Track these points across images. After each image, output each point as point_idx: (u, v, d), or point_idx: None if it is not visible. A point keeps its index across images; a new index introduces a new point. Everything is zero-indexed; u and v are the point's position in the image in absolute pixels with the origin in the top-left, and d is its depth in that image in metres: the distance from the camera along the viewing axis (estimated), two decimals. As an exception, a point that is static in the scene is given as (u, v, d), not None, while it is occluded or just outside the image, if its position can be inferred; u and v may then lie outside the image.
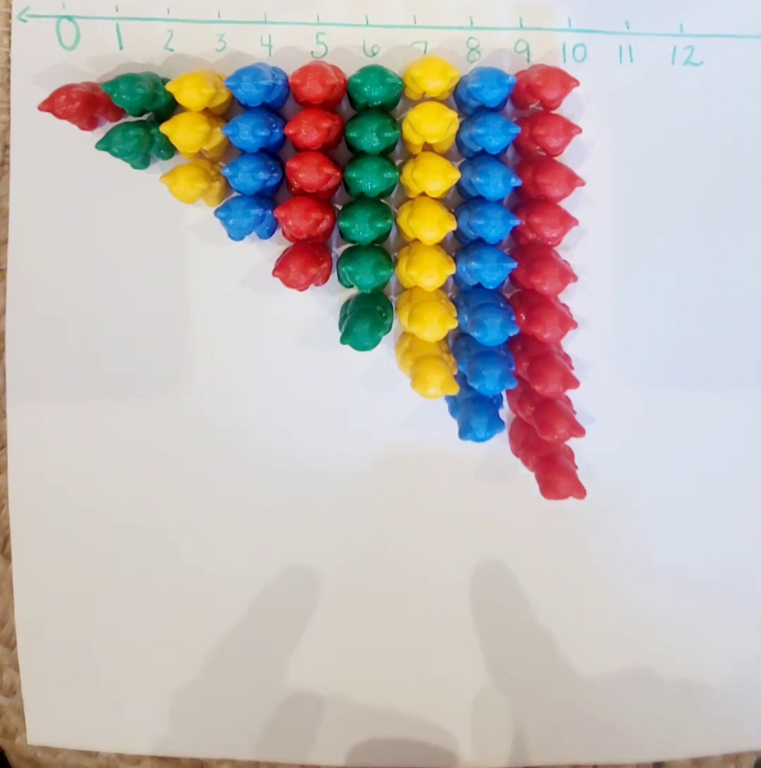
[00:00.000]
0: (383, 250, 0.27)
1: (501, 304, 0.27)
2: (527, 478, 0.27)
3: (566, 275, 0.27)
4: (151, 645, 0.31)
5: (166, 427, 0.30)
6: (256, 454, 0.30)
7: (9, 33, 0.28)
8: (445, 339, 0.27)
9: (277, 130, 0.26)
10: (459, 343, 0.28)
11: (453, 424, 0.27)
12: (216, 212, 0.27)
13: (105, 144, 0.26)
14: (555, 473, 0.26)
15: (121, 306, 0.30)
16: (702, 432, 0.30)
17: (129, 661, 0.31)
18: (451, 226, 0.26)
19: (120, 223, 0.29)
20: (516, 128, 0.26)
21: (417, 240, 0.27)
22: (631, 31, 0.29)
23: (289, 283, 0.26)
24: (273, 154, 0.28)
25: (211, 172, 0.27)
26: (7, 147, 0.29)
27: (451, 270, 0.26)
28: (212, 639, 0.31)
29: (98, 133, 0.27)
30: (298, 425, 0.30)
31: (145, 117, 0.28)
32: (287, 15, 0.28)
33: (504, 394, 0.29)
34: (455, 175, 0.26)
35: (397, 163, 0.28)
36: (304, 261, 0.26)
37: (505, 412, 0.29)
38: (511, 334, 0.26)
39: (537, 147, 0.27)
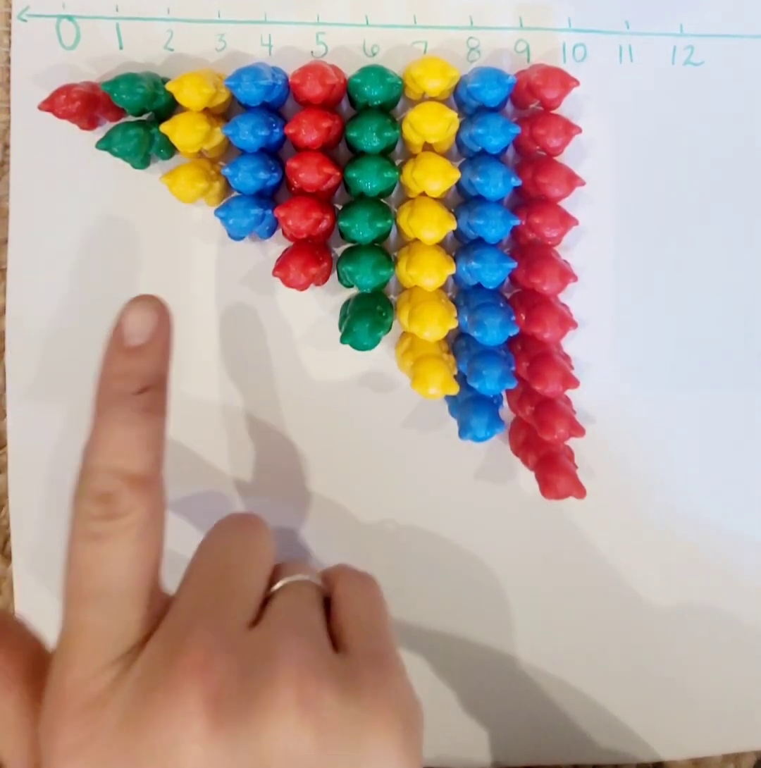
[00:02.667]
0: (383, 250, 0.27)
1: (501, 304, 0.27)
2: (527, 478, 0.27)
3: (566, 275, 0.27)
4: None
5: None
6: (256, 454, 0.30)
7: (9, 33, 0.28)
8: (445, 339, 0.27)
9: (277, 130, 0.26)
10: (460, 343, 0.28)
11: (453, 424, 0.27)
12: (216, 212, 0.27)
13: (105, 144, 0.26)
14: (555, 473, 0.26)
15: (121, 306, 0.29)
16: (702, 432, 0.30)
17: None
18: (451, 226, 0.26)
19: (120, 223, 0.29)
20: (516, 128, 0.26)
21: (417, 240, 0.27)
22: (631, 31, 0.29)
23: (289, 283, 0.26)
24: (273, 154, 0.28)
25: (211, 172, 0.27)
26: (7, 147, 0.29)
27: (451, 270, 0.26)
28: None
29: (98, 133, 0.27)
30: (298, 425, 0.30)
31: (145, 117, 0.28)
32: (287, 15, 0.28)
33: (504, 394, 0.29)
34: (455, 175, 0.26)
35: (397, 163, 0.28)
36: (304, 261, 0.26)
37: (505, 412, 0.29)
38: (511, 334, 0.26)
39: (537, 147, 0.27)
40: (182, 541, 0.30)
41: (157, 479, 0.20)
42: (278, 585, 0.21)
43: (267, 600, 0.20)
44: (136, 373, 0.21)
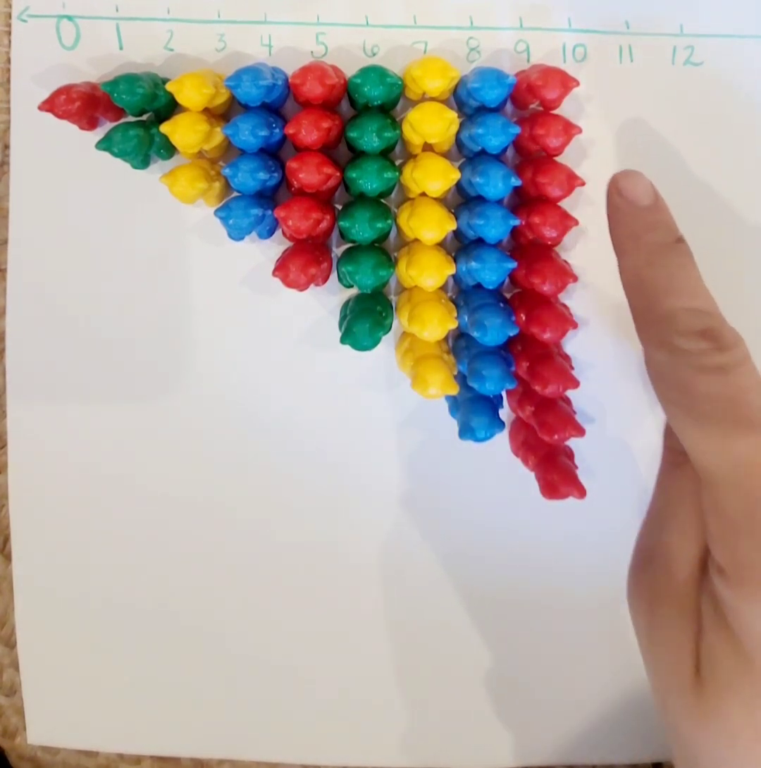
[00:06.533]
0: (383, 250, 0.27)
1: (501, 304, 0.27)
2: (527, 478, 0.27)
3: (566, 275, 0.27)
4: (151, 645, 0.31)
5: (166, 427, 0.30)
6: (256, 454, 0.30)
7: (9, 33, 0.28)
8: (445, 339, 0.27)
9: (277, 130, 0.26)
10: (459, 343, 0.28)
11: (453, 424, 0.27)
12: (216, 212, 0.27)
13: (105, 144, 0.26)
14: (555, 473, 0.26)
15: (121, 306, 0.30)
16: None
17: (129, 660, 0.31)
18: (451, 226, 0.26)
19: (120, 223, 0.29)
20: (516, 128, 0.26)
21: (417, 240, 0.27)
22: (631, 31, 0.29)
23: (289, 283, 0.26)
24: (273, 154, 0.28)
25: (211, 172, 0.27)
26: (7, 147, 0.29)
27: (451, 270, 0.26)
28: (213, 639, 0.31)
29: (98, 133, 0.27)
30: (298, 425, 0.30)
31: (145, 117, 0.28)
32: (287, 15, 0.28)
33: (504, 394, 0.29)
34: (455, 175, 0.26)
35: (397, 163, 0.28)
36: (304, 261, 0.26)
37: (505, 412, 0.29)
38: (511, 334, 0.26)
39: (537, 147, 0.27)
40: (187, 538, 0.31)
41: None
42: None
43: None
44: (665, 225, 0.21)
